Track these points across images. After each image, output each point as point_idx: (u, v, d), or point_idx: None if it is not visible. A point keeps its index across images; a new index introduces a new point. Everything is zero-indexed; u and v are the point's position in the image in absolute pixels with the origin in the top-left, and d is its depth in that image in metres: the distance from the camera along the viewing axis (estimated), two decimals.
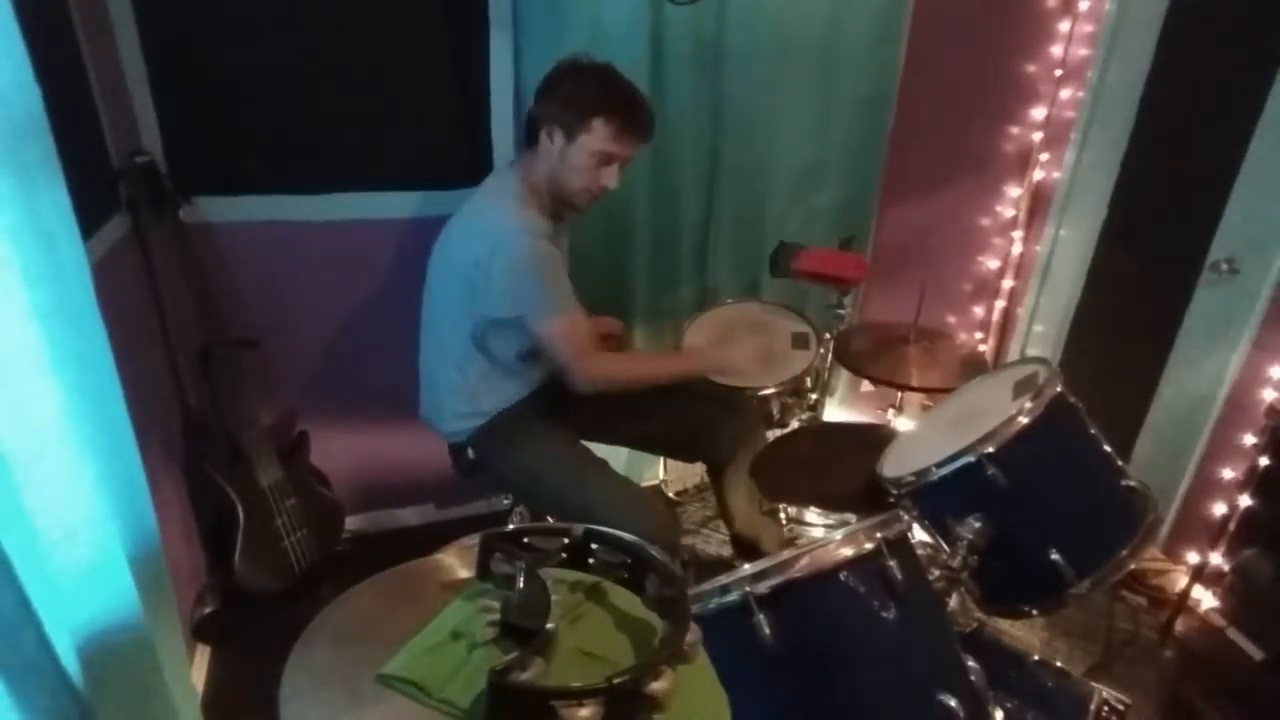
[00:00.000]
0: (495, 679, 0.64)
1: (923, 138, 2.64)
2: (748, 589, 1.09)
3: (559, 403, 1.91)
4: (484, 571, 0.80)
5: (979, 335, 2.96)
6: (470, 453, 1.94)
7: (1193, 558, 2.33)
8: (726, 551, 2.53)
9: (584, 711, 0.62)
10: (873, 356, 2.24)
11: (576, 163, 1.74)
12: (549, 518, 2.02)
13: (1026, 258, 2.79)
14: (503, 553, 0.78)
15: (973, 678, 1.21)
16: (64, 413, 0.84)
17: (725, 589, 1.11)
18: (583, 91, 1.72)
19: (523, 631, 0.71)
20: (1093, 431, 1.50)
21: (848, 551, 1.12)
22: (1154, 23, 2.34)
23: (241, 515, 2.08)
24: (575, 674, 0.68)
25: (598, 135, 1.71)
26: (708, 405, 2.09)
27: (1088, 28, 2.48)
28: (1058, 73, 2.55)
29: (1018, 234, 2.76)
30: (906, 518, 1.31)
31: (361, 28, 2.02)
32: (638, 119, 1.75)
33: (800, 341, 2.24)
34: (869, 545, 1.13)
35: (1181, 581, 2.29)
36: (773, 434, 2.18)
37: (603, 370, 1.86)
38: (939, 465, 1.44)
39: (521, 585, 0.74)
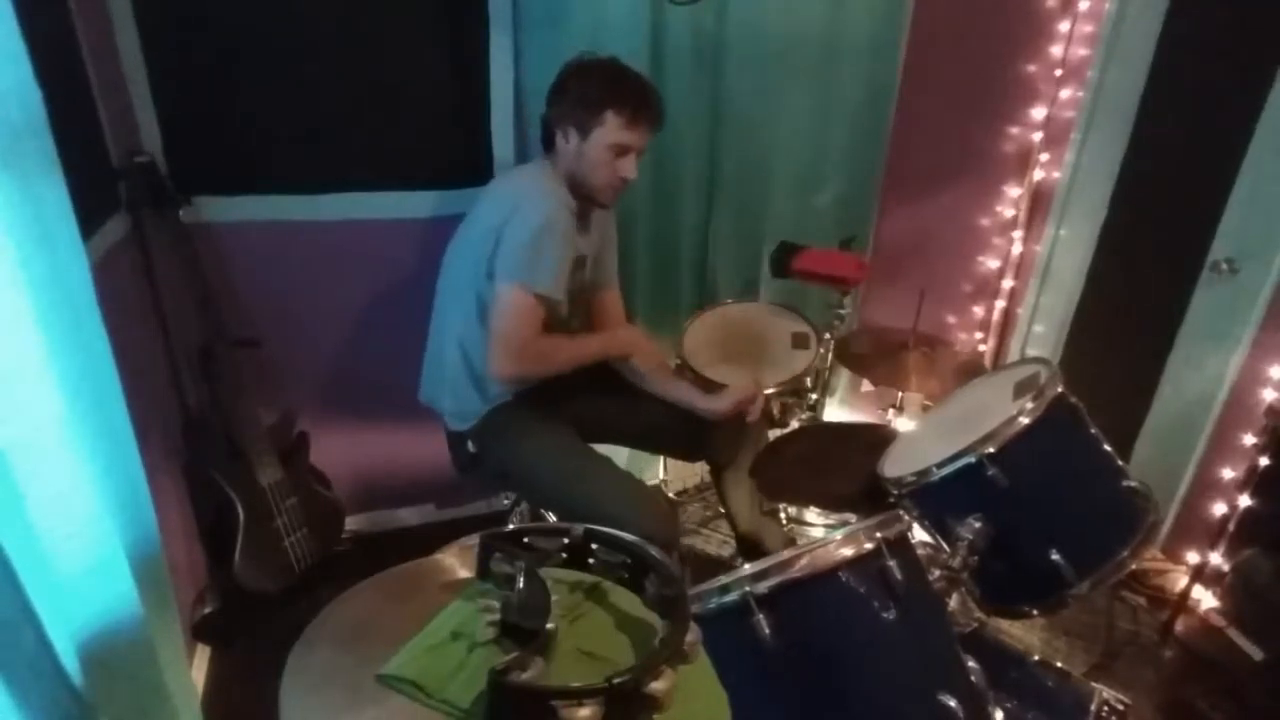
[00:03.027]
0: (495, 679, 0.64)
1: (923, 138, 2.64)
2: (747, 589, 1.09)
3: (559, 401, 1.91)
4: (484, 571, 0.80)
5: (979, 335, 2.96)
6: (470, 445, 1.94)
7: (1193, 558, 2.33)
8: (726, 551, 2.53)
9: (584, 711, 0.62)
10: (872, 363, 2.24)
11: (594, 157, 1.77)
12: (549, 512, 2.02)
13: (1026, 258, 2.79)
14: (503, 553, 0.78)
15: (973, 678, 1.21)
16: (64, 413, 0.84)
17: (725, 589, 1.11)
18: (591, 87, 1.75)
19: (523, 631, 0.71)
20: (1093, 431, 1.50)
21: (848, 551, 1.12)
22: (1154, 23, 2.34)
23: (241, 515, 2.08)
24: (575, 674, 0.68)
25: (611, 127, 1.74)
26: None
27: (1088, 28, 2.48)
28: (1058, 73, 2.55)
29: (1018, 234, 2.76)
30: (906, 518, 1.30)
31: (361, 28, 2.02)
32: (648, 106, 1.78)
33: (800, 341, 2.24)
34: (869, 545, 1.13)
35: (1181, 581, 2.29)
36: (773, 434, 2.18)
37: (522, 361, 1.76)
38: (939, 465, 1.44)
39: (521, 585, 0.74)
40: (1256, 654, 2.22)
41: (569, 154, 1.79)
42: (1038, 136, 2.63)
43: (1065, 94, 2.56)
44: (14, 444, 0.80)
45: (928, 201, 2.78)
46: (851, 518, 2.03)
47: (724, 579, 1.13)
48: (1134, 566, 1.42)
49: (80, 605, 0.90)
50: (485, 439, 1.92)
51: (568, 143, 1.78)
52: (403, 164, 2.19)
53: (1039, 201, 2.71)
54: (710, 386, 2.05)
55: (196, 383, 2.18)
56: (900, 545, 1.17)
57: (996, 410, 1.49)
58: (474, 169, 2.20)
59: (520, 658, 0.67)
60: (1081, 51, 2.50)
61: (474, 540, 0.81)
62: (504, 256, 1.73)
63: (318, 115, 2.08)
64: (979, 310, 2.94)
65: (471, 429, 1.91)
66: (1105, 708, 1.36)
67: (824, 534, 2.33)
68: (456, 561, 0.86)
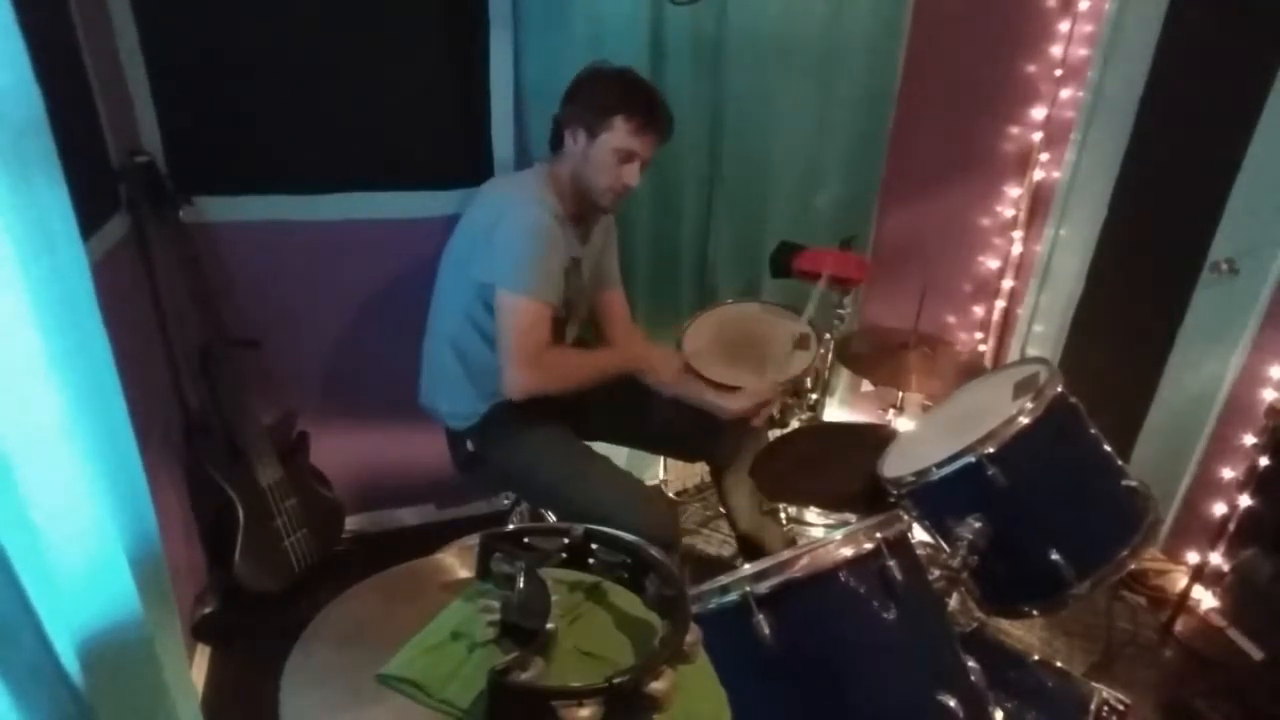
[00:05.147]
0: (495, 679, 0.64)
1: (923, 138, 2.64)
2: (747, 589, 1.09)
3: (559, 400, 1.91)
4: (484, 571, 0.80)
5: (979, 335, 2.96)
6: (469, 445, 1.94)
7: (1193, 558, 2.34)
8: (726, 551, 2.53)
9: (584, 711, 0.62)
10: (873, 363, 2.24)
11: (598, 160, 1.79)
12: (548, 511, 2.02)
13: (1026, 258, 2.79)
14: (503, 553, 0.78)
15: (973, 678, 1.21)
16: (64, 413, 0.83)
17: (725, 589, 1.11)
18: (603, 92, 1.79)
19: (523, 631, 0.71)
20: (1093, 431, 1.50)
21: (848, 551, 1.12)
22: (1154, 23, 2.34)
23: (241, 515, 2.08)
24: (575, 674, 0.68)
25: (618, 132, 1.77)
26: None
27: (1088, 28, 2.48)
28: (1058, 73, 2.55)
29: (1018, 234, 2.76)
30: (906, 518, 1.30)
31: (362, 28, 2.02)
32: (657, 117, 1.81)
33: (800, 342, 2.24)
34: (869, 545, 1.13)
35: (1181, 581, 2.29)
36: (773, 434, 2.18)
37: (536, 372, 1.75)
38: (939, 465, 1.44)
39: (521, 585, 0.74)
40: (1256, 654, 2.22)
41: (575, 154, 1.82)
42: (1038, 136, 2.64)
43: (1065, 94, 2.56)
44: (14, 444, 0.80)
45: (928, 201, 2.78)
46: (851, 518, 2.03)
47: (724, 579, 1.12)
48: (1134, 566, 1.42)
49: (80, 605, 0.90)
50: (484, 437, 1.92)
51: (575, 144, 1.81)
52: (403, 164, 2.19)
53: (1039, 201, 2.71)
54: (715, 387, 2.04)
55: (196, 383, 2.18)
56: (900, 545, 1.17)
57: (996, 410, 1.49)
58: (474, 169, 2.20)
59: (520, 658, 0.66)
60: (1081, 51, 2.50)
61: (474, 540, 0.81)
62: (498, 264, 1.75)
63: (318, 115, 2.08)
64: (979, 310, 2.94)
65: (470, 428, 1.92)
66: (1105, 708, 1.36)
67: (824, 534, 2.33)
68: (456, 561, 0.86)
